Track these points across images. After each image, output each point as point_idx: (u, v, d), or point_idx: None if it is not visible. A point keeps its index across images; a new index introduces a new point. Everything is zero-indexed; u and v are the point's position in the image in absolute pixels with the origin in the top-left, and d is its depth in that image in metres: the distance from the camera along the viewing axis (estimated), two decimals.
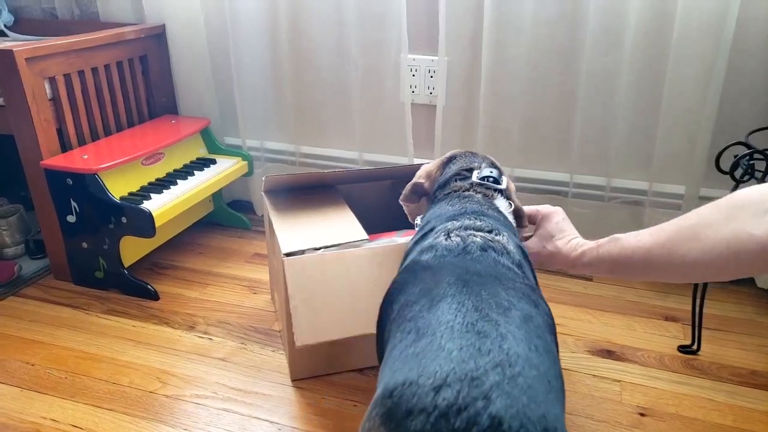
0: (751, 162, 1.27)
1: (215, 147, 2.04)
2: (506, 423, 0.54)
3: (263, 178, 1.51)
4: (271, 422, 1.23)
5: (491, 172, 1.11)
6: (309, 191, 1.58)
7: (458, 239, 0.87)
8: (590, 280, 1.77)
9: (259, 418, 1.24)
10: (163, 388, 1.33)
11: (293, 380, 1.36)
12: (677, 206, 1.66)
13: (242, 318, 1.59)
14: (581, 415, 1.25)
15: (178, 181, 1.79)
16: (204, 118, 2.06)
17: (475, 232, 0.89)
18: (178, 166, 1.90)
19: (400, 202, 1.25)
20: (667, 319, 1.58)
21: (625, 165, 1.73)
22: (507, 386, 0.57)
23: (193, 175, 1.85)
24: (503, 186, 1.09)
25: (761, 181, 1.25)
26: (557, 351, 0.76)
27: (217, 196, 2.10)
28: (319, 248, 1.32)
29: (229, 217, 2.13)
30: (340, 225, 1.40)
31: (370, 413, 0.61)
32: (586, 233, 1.78)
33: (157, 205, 1.64)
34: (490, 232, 0.90)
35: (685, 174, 1.64)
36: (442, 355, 0.61)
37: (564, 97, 1.73)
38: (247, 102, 2.06)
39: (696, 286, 1.43)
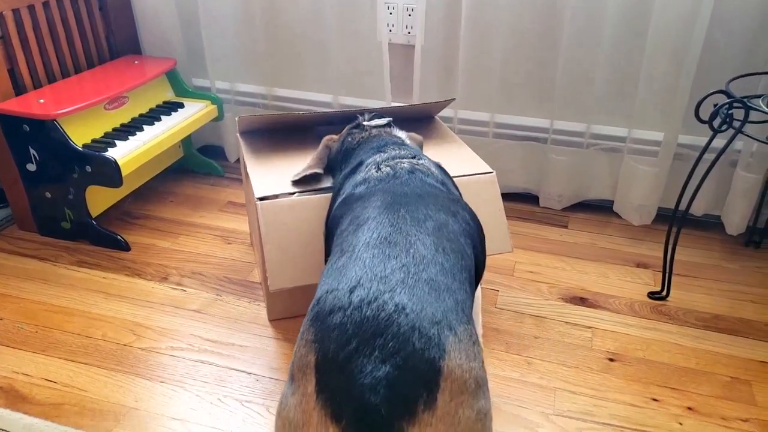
0: (730, 111, 1.26)
1: (183, 90, 1.95)
2: (408, 307, 0.66)
3: (237, 119, 1.45)
4: (249, 373, 1.24)
5: (371, 113, 1.26)
6: (285, 134, 1.53)
7: (388, 168, 0.98)
8: (566, 226, 1.78)
9: (236, 369, 1.25)
10: (137, 341, 1.32)
11: (270, 320, 1.37)
12: (654, 153, 1.66)
13: (217, 269, 1.57)
14: (553, 362, 1.28)
15: (144, 126, 1.72)
16: (169, 58, 1.95)
17: (401, 160, 1.00)
18: (144, 110, 1.82)
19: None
20: (639, 265, 1.61)
21: (605, 111, 1.71)
22: (410, 281, 0.70)
23: (159, 120, 1.77)
24: (388, 119, 1.22)
25: (739, 130, 1.25)
26: (476, 251, 0.88)
27: (186, 142, 2.03)
28: (293, 193, 1.30)
29: (200, 164, 2.07)
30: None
31: (305, 320, 0.71)
32: (565, 181, 1.80)
33: (122, 152, 1.57)
34: (413, 157, 1.02)
35: (664, 121, 1.63)
36: (358, 264, 0.73)
37: (546, 40, 1.67)
38: (216, 41, 1.95)
39: (669, 233, 1.45)
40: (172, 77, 1.94)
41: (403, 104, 1.59)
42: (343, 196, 1.00)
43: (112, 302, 1.44)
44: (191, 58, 2.03)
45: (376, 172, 0.97)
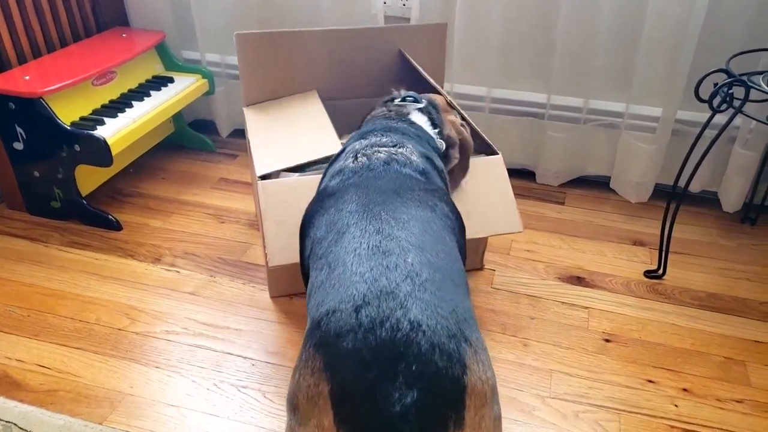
0: (730, 91, 1.23)
1: (172, 63, 1.90)
2: (424, 324, 0.62)
3: (234, 35, 1.42)
4: (245, 358, 1.24)
5: (408, 92, 1.20)
6: (291, 106, 1.49)
7: (364, 159, 0.93)
8: (562, 203, 1.77)
9: (232, 354, 1.24)
10: (132, 324, 1.31)
11: (272, 297, 1.38)
12: (652, 129, 1.64)
13: (210, 249, 1.55)
14: (549, 343, 1.28)
15: (134, 102, 1.68)
16: (158, 31, 1.90)
17: (380, 149, 0.95)
18: (133, 85, 1.77)
19: None
20: (635, 243, 1.60)
21: (603, 86, 1.68)
22: (418, 293, 0.65)
23: (149, 95, 1.73)
24: (422, 105, 1.16)
25: (739, 110, 1.22)
26: (459, 246, 0.84)
27: (177, 117, 1.98)
28: (294, 169, 1.28)
29: (191, 139, 2.03)
30: (317, 138, 1.33)
31: (305, 345, 0.66)
32: (561, 157, 1.78)
33: (112, 130, 1.53)
34: (394, 146, 0.96)
35: (663, 96, 1.60)
36: (355, 279, 0.67)
37: (545, 13, 1.63)
38: (206, 12, 1.89)
39: (666, 211, 1.44)
40: (162, 51, 1.89)
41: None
42: (320, 188, 0.96)
43: (106, 284, 1.42)
44: (180, 29, 1.97)
45: (353, 162, 0.93)
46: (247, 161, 1.96)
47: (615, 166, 1.75)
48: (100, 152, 1.49)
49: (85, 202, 1.61)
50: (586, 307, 1.38)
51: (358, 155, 0.94)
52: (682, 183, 1.67)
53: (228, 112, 2.03)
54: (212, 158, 1.98)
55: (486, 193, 1.28)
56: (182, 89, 1.79)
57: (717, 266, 1.52)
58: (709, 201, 1.75)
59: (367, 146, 0.96)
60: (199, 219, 1.67)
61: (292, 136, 1.36)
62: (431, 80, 1.39)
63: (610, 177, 1.80)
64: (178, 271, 1.47)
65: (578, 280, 1.46)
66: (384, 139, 0.97)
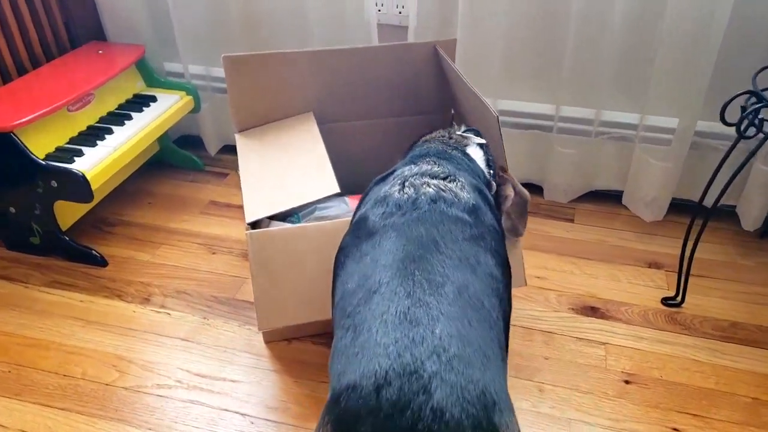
0: (760, 116, 1.14)
1: (154, 79, 1.79)
2: (448, 412, 0.57)
3: (222, 57, 1.33)
4: (243, 414, 1.16)
5: (469, 128, 1.12)
6: (287, 134, 1.39)
7: (411, 190, 0.85)
8: (572, 220, 1.69)
9: (229, 410, 1.16)
10: (121, 378, 1.23)
11: (266, 342, 1.30)
12: (668, 142, 1.54)
13: (202, 286, 1.46)
14: (567, 387, 1.21)
15: (114, 128, 1.57)
16: (137, 45, 1.77)
17: (429, 180, 0.87)
18: (112, 107, 1.66)
19: None
20: (650, 266, 1.52)
21: (616, 95, 1.57)
22: (444, 373, 0.60)
23: (130, 118, 1.62)
24: (483, 140, 1.08)
25: None
26: (502, 308, 0.77)
27: (163, 135, 1.87)
28: (285, 215, 1.19)
29: (178, 157, 1.92)
30: (311, 175, 1.23)
31: (323, 419, 0.63)
32: (571, 172, 1.68)
33: (91, 163, 1.43)
34: (445, 178, 0.89)
35: (682, 106, 1.48)
36: (379, 352, 0.63)
37: (552, 17, 1.52)
38: (187, 21, 1.76)
39: (687, 235, 1.35)
40: (142, 66, 1.77)
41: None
42: (360, 213, 0.88)
43: (91, 331, 1.33)
44: (161, 40, 1.85)
45: (398, 192, 0.85)
46: (237, 182, 1.85)
47: (628, 181, 1.66)
48: (79, 188, 1.38)
49: (66, 237, 1.51)
50: (603, 343, 1.31)
51: (406, 184, 0.87)
52: (698, 198, 1.59)
53: (216, 129, 1.92)
54: (201, 178, 1.88)
55: None
56: (166, 109, 1.68)
57: (737, 290, 1.45)
58: (725, 214, 1.67)
59: (417, 174, 0.88)
60: (189, 250, 1.58)
61: (286, 171, 1.26)
62: (480, 95, 1.29)
63: (621, 191, 1.72)
64: (168, 313, 1.38)
65: (593, 311, 1.39)
66: (436, 169, 0.89)
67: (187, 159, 1.91)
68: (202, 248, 1.59)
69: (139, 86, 1.77)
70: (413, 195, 0.84)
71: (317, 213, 1.27)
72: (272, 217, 1.19)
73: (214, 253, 1.57)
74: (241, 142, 1.37)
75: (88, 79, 1.57)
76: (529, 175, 1.76)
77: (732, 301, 1.42)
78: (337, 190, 1.16)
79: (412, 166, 0.91)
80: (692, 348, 1.29)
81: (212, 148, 1.94)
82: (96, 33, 1.83)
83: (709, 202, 1.62)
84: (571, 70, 1.54)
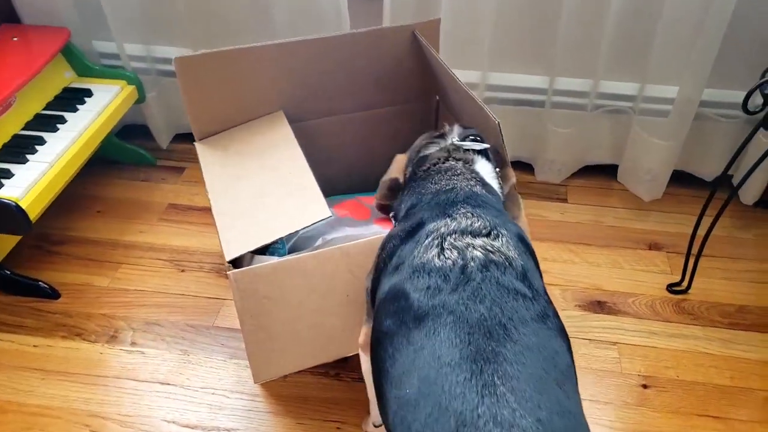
0: None
1: (85, 67, 1.53)
2: None
3: (174, 60, 1.11)
4: None
5: (466, 129, 0.96)
6: (257, 137, 1.20)
7: (455, 254, 0.71)
8: (565, 200, 1.59)
9: None
10: None
11: (256, 383, 1.17)
12: (670, 113, 1.43)
13: (174, 313, 1.30)
14: (585, 398, 1.15)
15: (45, 136, 1.34)
16: (60, 28, 1.50)
17: (473, 241, 0.72)
18: (38, 107, 1.42)
19: (376, 207, 0.97)
20: (651, 247, 1.46)
21: (616, 63, 1.43)
22: None
23: (63, 121, 1.38)
24: (487, 144, 0.94)
25: None
26: (574, 379, 0.65)
27: None
28: (271, 247, 1.04)
29: (125, 153, 1.69)
30: (294, 189, 1.07)
31: None
32: (564, 150, 1.56)
33: (24, 186, 1.21)
34: (488, 234, 0.74)
35: (687, 74, 1.36)
36: None
37: None
38: None
39: (700, 218, 1.28)
40: (69, 53, 1.51)
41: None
42: (393, 284, 0.73)
43: (54, 384, 1.17)
44: (86, 17, 1.57)
45: (439, 257, 0.71)
46: (197, 175, 1.66)
47: (624, 157, 1.57)
48: (13, 220, 1.17)
49: (7, 272, 1.31)
50: (615, 343, 1.25)
51: (446, 246, 0.72)
52: (697, 171, 1.52)
53: (165, 117, 1.69)
54: (154, 175, 1.67)
55: None
56: (105, 105, 1.45)
57: (739, 268, 1.41)
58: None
59: (455, 232, 0.74)
60: (153, 269, 1.41)
61: (263, 189, 1.09)
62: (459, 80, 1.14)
63: (613, 164, 1.63)
64: (142, 352, 1.23)
65: (600, 307, 1.32)
66: (477, 224, 0.75)
67: (135, 154, 1.69)
68: (168, 265, 1.41)
69: (68, 77, 1.51)
70: (459, 261, 0.70)
71: (302, 234, 1.12)
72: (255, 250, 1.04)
73: (183, 271, 1.40)
74: (205, 154, 1.18)
75: (7, 78, 1.32)
76: (519, 153, 1.64)
77: (736, 281, 1.38)
78: (328, 214, 1.01)
79: (447, 219, 0.76)
80: (703, 340, 1.25)
81: (163, 139, 1.72)
82: (7, 14, 1.53)
83: (707, 173, 1.56)
84: (567, 37, 1.39)
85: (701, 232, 1.29)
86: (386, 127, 1.36)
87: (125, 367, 1.20)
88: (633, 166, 1.55)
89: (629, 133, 1.51)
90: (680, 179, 1.59)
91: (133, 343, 1.24)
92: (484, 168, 0.90)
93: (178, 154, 1.73)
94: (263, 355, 0.97)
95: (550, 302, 0.70)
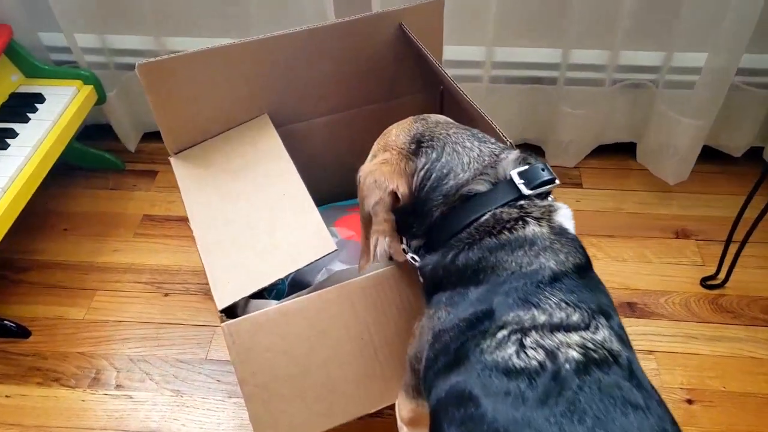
0: None
1: (34, 68, 1.34)
2: None
3: (137, 67, 0.92)
4: None
5: (532, 160, 0.69)
6: (231, 142, 1.04)
7: (541, 355, 0.55)
8: (580, 185, 1.46)
9: None
10: None
11: None
12: (694, 84, 1.28)
13: (162, 347, 1.16)
14: None
15: None
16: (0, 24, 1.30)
17: (567, 337, 0.57)
18: None
19: (377, 257, 0.73)
20: (678, 235, 1.34)
21: (637, 30, 1.27)
22: None
23: (14, 135, 1.20)
24: (554, 176, 0.68)
25: None
26: None
27: None
28: (269, 290, 0.90)
29: (89, 158, 1.51)
30: (290, 221, 0.92)
31: None
32: (579, 131, 1.41)
33: None
34: (586, 327, 0.58)
35: (721, 37, 1.19)
36: None
37: None
38: None
39: (745, 205, 1.15)
40: (13, 53, 1.31)
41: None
42: (454, 383, 0.59)
43: None
44: (28, 4, 1.36)
45: (517, 355, 0.56)
46: (172, 179, 1.48)
47: (646, 136, 1.43)
48: None
49: None
50: (652, 352, 1.14)
51: (527, 343, 0.57)
52: (726, 146, 1.39)
53: (130, 116, 1.50)
54: (124, 182, 1.49)
55: None
56: (61, 111, 1.26)
57: None
58: (742, 158, 1.48)
59: (544, 328, 0.57)
60: (133, 294, 1.26)
61: (253, 214, 0.94)
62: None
63: (630, 142, 1.49)
64: (129, 396, 1.09)
65: (631, 309, 1.21)
66: (574, 316, 0.58)
67: (100, 159, 1.50)
68: (149, 289, 1.26)
69: (15, 81, 1.32)
70: (547, 364, 0.55)
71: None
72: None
73: (166, 295, 1.25)
74: (183, 174, 1.02)
75: None
76: (527, 135, 1.49)
77: None
78: (334, 248, 0.86)
79: (534, 311, 0.58)
80: (747, 342, 1.15)
81: (130, 140, 1.54)
82: None
83: (732, 147, 1.42)
84: (582, 3, 1.22)
85: (718, 212, 1.16)
86: (383, 124, 1.20)
87: (112, 416, 1.07)
88: (656, 145, 1.41)
89: (652, 110, 1.36)
90: (704, 155, 1.45)
91: (118, 386, 1.11)
92: (564, 215, 0.67)
93: (148, 156, 1.55)
94: (270, 419, 0.84)
95: (661, 403, 0.55)
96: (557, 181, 0.68)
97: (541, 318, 0.58)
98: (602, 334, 0.59)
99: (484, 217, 0.65)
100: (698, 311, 1.20)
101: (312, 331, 0.85)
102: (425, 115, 0.80)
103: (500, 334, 0.58)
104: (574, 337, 0.57)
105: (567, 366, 0.54)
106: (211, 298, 1.22)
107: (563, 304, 0.60)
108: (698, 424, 1.04)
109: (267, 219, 0.93)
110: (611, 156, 1.51)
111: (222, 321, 0.83)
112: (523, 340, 0.57)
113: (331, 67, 1.09)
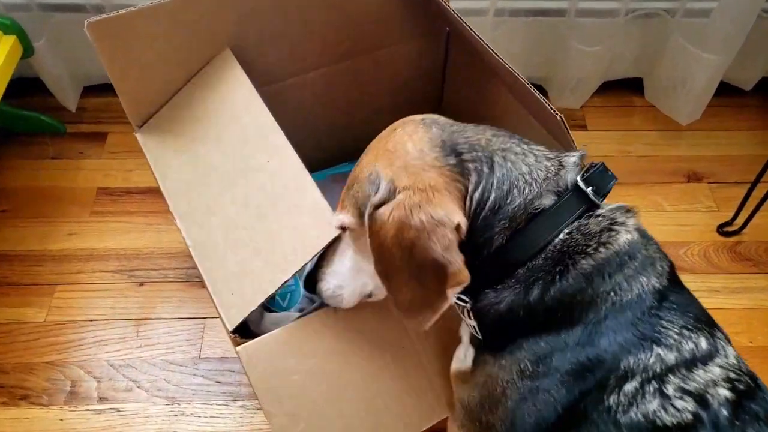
0: None
1: None
2: None
3: (87, 25, 0.72)
4: None
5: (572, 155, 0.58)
6: (204, 102, 0.85)
7: (691, 404, 0.47)
8: (584, 127, 1.35)
9: None
10: None
11: None
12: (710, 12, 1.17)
13: (147, 346, 1.02)
14: None
15: None
16: None
17: (707, 371, 0.48)
18: None
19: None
20: (689, 179, 1.27)
21: None
22: None
23: None
24: (615, 177, 0.58)
25: None
26: None
27: None
28: (284, 292, 0.77)
29: (22, 122, 1.27)
30: (287, 197, 0.75)
31: None
32: (588, 69, 1.27)
33: None
34: (717, 351, 0.50)
35: None
36: None
37: None
38: None
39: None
40: None
41: None
42: None
43: None
44: None
45: (665, 409, 0.47)
46: (127, 141, 1.28)
47: (656, 72, 1.32)
48: None
49: None
50: None
51: (670, 393, 0.47)
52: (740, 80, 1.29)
53: (67, 70, 1.26)
54: (68, 149, 1.27)
55: None
56: None
57: None
58: (750, 91, 1.39)
59: (677, 369, 0.48)
60: (102, 286, 1.08)
61: (240, 197, 0.77)
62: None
63: (635, 78, 1.38)
64: (117, 410, 0.95)
65: None
66: (702, 343, 0.50)
67: (35, 122, 1.26)
68: (120, 278, 1.09)
69: None
70: (701, 413, 0.46)
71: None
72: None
73: (141, 284, 1.09)
74: (154, 154, 0.83)
75: None
76: (530, 73, 1.35)
77: None
78: (337, 233, 0.72)
79: (658, 349, 0.49)
80: None
81: (69, 99, 1.29)
82: None
83: (742, 80, 1.33)
84: None
85: (726, 150, 1.10)
86: (385, 75, 1.03)
87: None
88: (668, 82, 1.30)
89: (666, 43, 1.24)
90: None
91: (102, 399, 0.96)
92: (633, 215, 0.57)
93: (93, 115, 1.32)
94: None
95: None
96: (616, 179, 0.58)
97: (670, 357, 0.49)
98: (731, 353, 0.51)
99: (561, 236, 0.53)
100: (718, 262, 1.16)
101: (342, 344, 0.73)
102: (418, 117, 0.62)
103: (629, 387, 0.48)
104: (716, 371, 0.49)
105: (723, 411, 0.46)
106: (197, 285, 1.07)
107: (686, 331, 0.51)
108: None
109: (256, 202, 0.76)
110: (614, 92, 1.40)
111: (236, 344, 0.70)
112: (663, 388, 0.47)
113: (316, 14, 0.89)
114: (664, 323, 0.50)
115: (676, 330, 0.50)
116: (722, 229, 1.20)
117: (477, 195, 0.54)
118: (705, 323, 0.53)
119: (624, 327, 0.50)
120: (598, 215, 0.55)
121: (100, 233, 1.15)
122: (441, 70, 1.07)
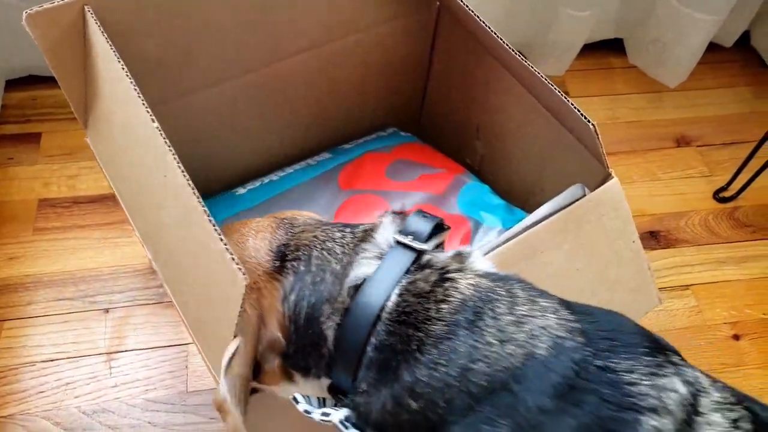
0: None
1: None
2: None
3: (25, 16, 0.58)
4: None
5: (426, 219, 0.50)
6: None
7: None
8: (567, 93, 1.27)
9: None
10: None
11: None
12: None
13: (123, 384, 0.88)
14: None
15: None
16: None
17: (713, 422, 0.40)
18: None
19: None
20: (679, 143, 1.23)
21: None
22: None
23: None
24: (440, 219, 0.51)
25: None
26: None
27: None
28: None
29: None
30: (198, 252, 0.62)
31: None
32: (575, 32, 1.18)
33: None
34: (693, 396, 0.40)
35: None
36: None
37: None
38: None
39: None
40: None
41: None
42: None
43: None
44: None
45: None
46: (65, 141, 1.10)
47: (641, 32, 1.25)
48: None
49: None
50: (687, 286, 1.05)
51: None
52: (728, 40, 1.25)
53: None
54: None
55: (599, 251, 0.71)
56: None
57: None
58: (729, 48, 1.36)
59: (683, 404, 0.39)
60: (59, 317, 0.93)
61: (177, 214, 0.65)
62: None
63: (613, 39, 1.31)
64: None
65: (656, 239, 1.10)
66: (679, 386, 0.40)
67: None
68: (80, 306, 0.94)
69: None
70: None
71: None
72: None
73: (106, 311, 0.94)
74: (103, 154, 0.69)
75: None
76: (515, 36, 1.25)
77: None
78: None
79: (654, 418, 0.38)
80: None
81: None
82: None
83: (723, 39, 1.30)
84: None
85: (712, 110, 1.07)
86: (371, 61, 0.91)
87: None
88: (654, 43, 1.24)
89: (655, 4, 1.17)
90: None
91: None
92: (481, 258, 0.49)
93: (21, 113, 1.12)
94: None
95: None
96: (447, 227, 0.51)
97: (669, 426, 0.38)
98: (703, 380, 0.41)
99: (392, 301, 0.45)
100: (719, 230, 1.13)
101: None
102: (290, 215, 0.55)
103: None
104: (715, 418, 0.39)
105: None
106: (170, 307, 0.94)
107: (654, 377, 0.39)
108: (752, 362, 0.98)
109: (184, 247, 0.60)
110: (592, 55, 1.33)
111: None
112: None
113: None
114: (626, 376, 0.39)
115: (646, 381, 0.39)
116: (719, 195, 1.17)
117: (293, 297, 0.48)
118: (654, 348, 0.42)
119: (565, 405, 0.39)
120: (423, 265, 0.47)
121: (49, 254, 0.98)
122: (427, 54, 0.95)
